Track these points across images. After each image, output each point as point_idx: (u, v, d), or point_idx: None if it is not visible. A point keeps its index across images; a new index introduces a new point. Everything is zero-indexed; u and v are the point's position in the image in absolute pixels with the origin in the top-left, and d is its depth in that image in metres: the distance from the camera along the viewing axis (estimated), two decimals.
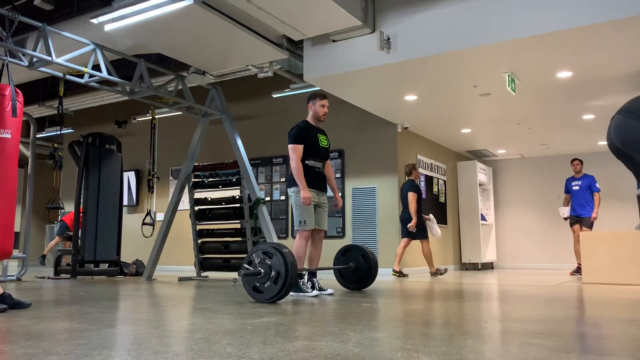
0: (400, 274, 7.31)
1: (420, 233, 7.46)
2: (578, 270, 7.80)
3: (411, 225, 7.30)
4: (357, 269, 5.08)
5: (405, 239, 7.47)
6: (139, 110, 10.21)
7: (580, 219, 7.92)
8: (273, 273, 3.79)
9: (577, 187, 8.06)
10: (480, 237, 10.12)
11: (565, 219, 8.15)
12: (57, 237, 9.73)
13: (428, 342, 2.22)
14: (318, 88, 6.66)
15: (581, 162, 8.16)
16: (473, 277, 7.51)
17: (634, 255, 6.07)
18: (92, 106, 9.81)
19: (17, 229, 5.19)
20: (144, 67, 6.32)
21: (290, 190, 4.57)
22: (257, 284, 3.88)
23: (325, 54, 5.94)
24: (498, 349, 2.08)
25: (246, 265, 3.92)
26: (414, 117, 7.86)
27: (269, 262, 3.83)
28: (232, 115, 7.31)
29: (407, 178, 7.75)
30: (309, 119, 4.72)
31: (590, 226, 7.86)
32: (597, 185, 7.96)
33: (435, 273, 7.55)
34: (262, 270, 3.84)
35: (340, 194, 8.28)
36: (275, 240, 6.54)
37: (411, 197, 7.40)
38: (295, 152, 4.46)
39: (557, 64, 5.58)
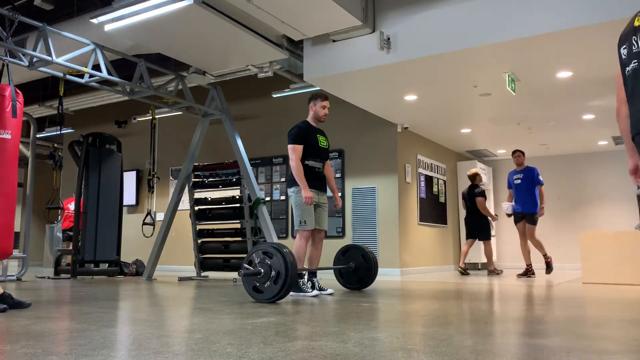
0: (464, 272, 8.01)
1: (484, 233, 8.23)
2: (526, 273, 7.35)
3: (492, 219, 8.26)
4: (357, 269, 5.08)
5: (470, 240, 8.27)
6: (139, 110, 10.21)
7: (524, 215, 7.32)
8: (273, 273, 3.79)
9: (519, 181, 7.46)
10: None
11: (509, 215, 7.52)
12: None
13: (428, 342, 2.22)
14: (318, 88, 6.66)
15: (523, 153, 7.59)
16: (473, 277, 7.51)
17: (634, 255, 6.07)
18: (92, 106, 9.81)
19: (17, 229, 5.19)
20: (144, 67, 6.32)
21: (290, 190, 4.57)
22: (257, 284, 3.88)
23: (325, 54, 5.94)
24: (498, 349, 2.09)
25: (246, 265, 3.92)
26: (414, 117, 7.85)
27: (269, 262, 3.83)
28: (232, 115, 7.31)
29: (471, 183, 8.47)
30: (309, 119, 4.72)
31: (534, 223, 7.27)
32: (540, 177, 7.39)
33: (493, 271, 8.16)
34: (262, 270, 3.84)
35: (340, 194, 8.28)
36: (275, 240, 6.54)
37: (482, 202, 8.21)
38: (295, 152, 4.46)
39: (557, 64, 5.58)
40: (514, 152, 7.66)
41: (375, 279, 5.14)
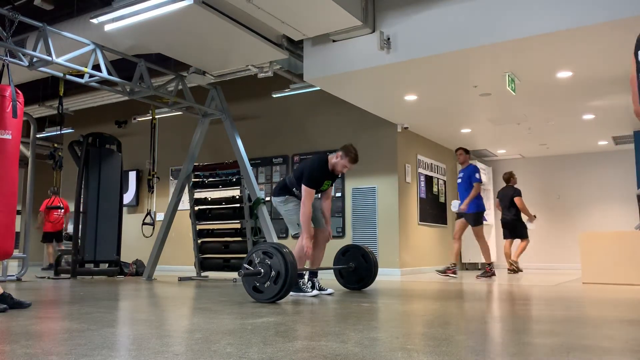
0: (516, 269, 8.21)
1: (522, 232, 8.41)
2: (446, 271, 7.13)
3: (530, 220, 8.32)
4: (357, 269, 5.08)
5: (508, 240, 8.42)
6: (139, 110, 10.21)
7: (464, 215, 7.12)
8: (273, 273, 3.79)
9: (459, 180, 7.31)
10: None
11: (457, 213, 7.31)
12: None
13: (428, 342, 2.22)
14: (318, 88, 6.66)
15: (465, 151, 7.35)
16: (473, 277, 7.51)
17: (634, 255, 6.07)
18: (92, 106, 9.81)
19: (17, 229, 5.19)
20: (144, 67, 6.32)
21: (278, 201, 4.58)
22: (257, 284, 3.88)
23: (325, 54, 5.94)
24: (498, 349, 2.09)
25: (246, 265, 3.92)
26: (414, 117, 7.85)
27: (269, 262, 3.83)
28: (232, 115, 7.31)
29: (506, 184, 8.64)
30: (330, 163, 4.56)
31: (476, 224, 7.04)
32: (477, 175, 7.12)
33: (514, 269, 8.32)
34: (262, 270, 3.84)
35: (340, 194, 8.29)
36: (275, 240, 6.54)
37: (520, 201, 8.35)
38: (308, 196, 4.39)
39: (557, 64, 5.58)
40: (456, 150, 7.50)
41: (376, 279, 5.14)
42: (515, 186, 8.61)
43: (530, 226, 8.30)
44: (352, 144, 4.60)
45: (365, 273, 5.05)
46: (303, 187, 4.40)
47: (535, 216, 8.52)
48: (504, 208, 8.52)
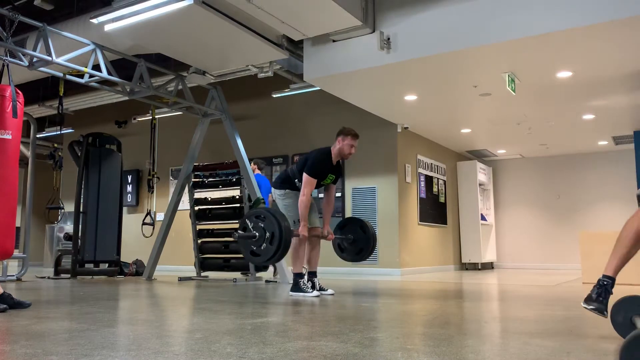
0: None
1: None
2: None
3: None
4: (355, 241, 4.97)
5: None
6: (139, 110, 10.21)
7: None
8: (268, 234, 3.90)
9: None
10: (480, 237, 10.12)
11: None
12: None
13: (428, 342, 2.22)
14: (318, 88, 6.66)
15: (258, 161, 7.40)
16: (473, 277, 7.51)
17: (634, 256, 6.06)
18: (92, 106, 9.80)
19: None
20: (144, 67, 6.32)
21: (278, 193, 4.55)
22: (254, 248, 3.98)
23: (325, 54, 5.94)
24: (498, 349, 2.09)
25: (240, 231, 3.99)
26: (414, 117, 7.86)
27: (262, 225, 3.94)
28: (232, 115, 7.30)
29: None
30: (333, 152, 4.52)
31: None
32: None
33: None
34: (256, 234, 3.94)
35: (340, 194, 8.28)
36: None
37: None
38: (308, 185, 4.36)
39: (557, 64, 5.58)
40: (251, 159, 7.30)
41: (374, 251, 4.96)
42: None
43: None
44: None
45: (364, 244, 4.90)
46: (304, 175, 4.36)
47: None
48: None
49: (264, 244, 3.91)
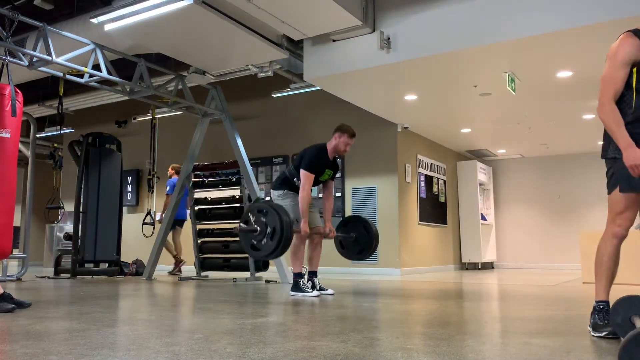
0: None
1: None
2: (177, 266, 7.95)
3: None
4: (358, 240, 4.97)
5: None
6: (139, 110, 10.20)
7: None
8: (269, 229, 3.91)
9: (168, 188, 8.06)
10: (480, 237, 10.12)
11: None
12: None
13: (428, 342, 2.22)
14: (318, 88, 6.66)
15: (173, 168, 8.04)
16: (473, 277, 7.51)
17: (634, 255, 6.07)
18: (92, 106, 9.80)
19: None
20: (144, 67, 6.32)
21: (276, 194, 4.55)
22: (255, 242, 3.99)
23: (325, 54, 5.94)
24: (498, 349, 2.09)
25: (242, 224, 3.99)
26: (414, 117, 7.85)
27: (264, 220, 3.94)
28: (232, 115, 7.30)
29: None
30: (329, 148, 4.53)
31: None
32: (168, 188, 7.91)
33: None
34: (258, 228, 3.95)
35: (340, 194, 8.28)
36: None
37: None
38: (307, 180, 4.36)
39: (557, 64, 5.58)
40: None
41: (376, 250, 4.96)
42: None
43: None
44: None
45: (366, 244, 4.90)
46: (302, 171, 4.37)
47: None
48: None
49: (265, 239, 3.92)
